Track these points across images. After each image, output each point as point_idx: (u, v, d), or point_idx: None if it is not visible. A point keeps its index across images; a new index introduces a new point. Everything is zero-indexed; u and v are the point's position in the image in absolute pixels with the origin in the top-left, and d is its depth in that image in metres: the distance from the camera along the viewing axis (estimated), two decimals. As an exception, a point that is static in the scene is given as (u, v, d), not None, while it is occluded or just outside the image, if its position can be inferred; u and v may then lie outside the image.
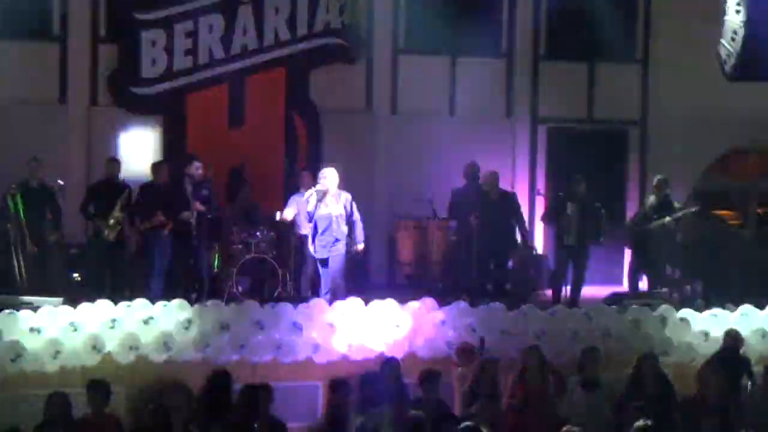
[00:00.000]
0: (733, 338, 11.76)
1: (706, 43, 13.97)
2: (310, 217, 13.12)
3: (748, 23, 11.32)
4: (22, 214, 12.71)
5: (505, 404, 10.34)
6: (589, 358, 10.88)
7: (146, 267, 13.44)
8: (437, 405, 10.03)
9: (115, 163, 13.51)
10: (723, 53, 11.93)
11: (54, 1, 15.34)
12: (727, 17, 11.66)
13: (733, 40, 11.69)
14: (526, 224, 14.91)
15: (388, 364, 10.89)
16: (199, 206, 13.49)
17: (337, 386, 10.08)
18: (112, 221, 13.06)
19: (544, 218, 15.09)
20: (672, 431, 9.88)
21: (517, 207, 14.61)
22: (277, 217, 14.10)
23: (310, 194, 13.07)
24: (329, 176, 13.23)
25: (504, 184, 14.99)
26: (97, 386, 9.76)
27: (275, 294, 13.45)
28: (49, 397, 9.47)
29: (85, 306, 11.54)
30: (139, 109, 15.52)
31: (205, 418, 9.65)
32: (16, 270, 12.57)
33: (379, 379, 10.60)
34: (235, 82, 15.70)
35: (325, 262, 13.16)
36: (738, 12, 11.45)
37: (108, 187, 13.29)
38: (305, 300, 12.67)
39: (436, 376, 10.31)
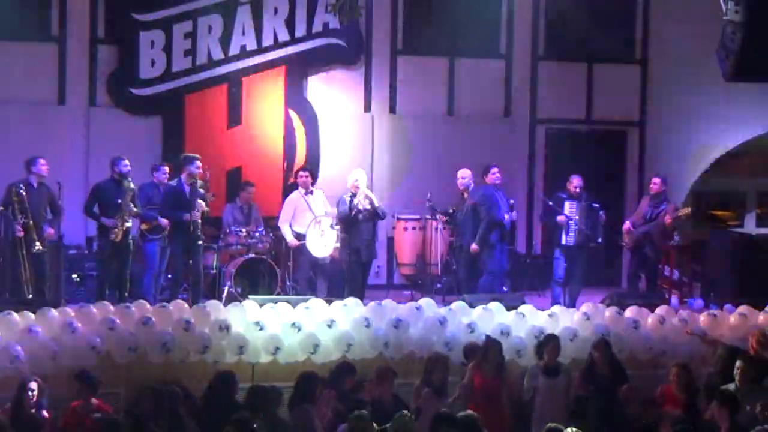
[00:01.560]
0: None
1: (704, 43, 13.95)
2: (349, 218, 13.21)
3: (747, 23, 11.29)
4: (29, 214, 12.69)
5: (457, 392, 10.49)
6: (548, 345, 11.03)
7: (146, 268, 13.41)
8: (393, 400, 10.20)
9: (122, 161, 13.38)
10: (722, 53, 11.91)
11: (53, 1, 15.34)
12: (726, 17, 11.64)
13: (732, 40, 11.66)
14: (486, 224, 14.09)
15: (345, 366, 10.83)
16: (203, 206, 13.41)
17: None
18: (119, 221, 13.01)
19: (542, 218, 15.10)
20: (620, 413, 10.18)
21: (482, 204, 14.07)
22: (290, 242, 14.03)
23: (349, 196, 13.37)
24: (361, 178, 13.33)
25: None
26: (84, 376, 9.91)
27: (274, 294, 13.46)
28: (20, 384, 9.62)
29: (84, 308, 11.54)
30: (138, 109, 15.53)
31: (208, 418, 9.67)
32: (22, 271, 12.53)
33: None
34: (233, 83, 15.71)
35: (365, 266, 13.27)
36: (737, 12, 11.42)
37: (114, 186, 13.23)
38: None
39: (388, 373, 10.45)
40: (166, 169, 13.72)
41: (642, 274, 14.74)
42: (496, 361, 10.74)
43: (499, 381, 10.72)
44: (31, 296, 12.38)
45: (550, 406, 10.66)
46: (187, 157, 13.52)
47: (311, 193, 14.15)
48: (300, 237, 13.88)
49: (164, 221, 13.34)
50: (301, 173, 14.33)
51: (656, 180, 14.55)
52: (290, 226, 14.00)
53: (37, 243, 12.66)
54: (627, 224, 14.46)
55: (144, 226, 13.44)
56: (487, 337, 11.18)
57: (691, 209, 14.55)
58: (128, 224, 13.09)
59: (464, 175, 14.27)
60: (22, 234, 12.57)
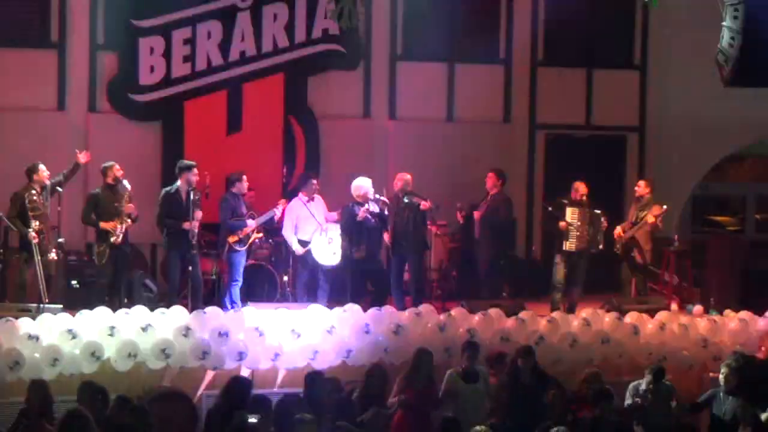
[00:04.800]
0: None
1: (703, 48, 14.00)
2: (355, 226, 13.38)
3: (746, 29, 11.34)
4: (42, 220, 12.71)
5: (390, 404, 10.53)
6: (468, 352, 11.07)
7: (233, 278, 13.44)
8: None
9: (113, 167, 13.40)
10: (721, 59, 11.96)
11: (53, 8, 15.36)
12: (724, 23, 11.68)
13: (730, 46, 11.71)
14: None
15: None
16: (200, 214, 13.22)
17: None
18: (117, 226, 13.00)
19: (543, 224, 15.10)
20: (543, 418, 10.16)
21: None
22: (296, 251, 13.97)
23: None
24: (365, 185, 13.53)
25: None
26: None
27: (273, 300, 13.46)
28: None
29: (84, 313, 11.56)
30: (138, 115, 15.52)
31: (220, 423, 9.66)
32: (40, 279, 12.51)
33: None
34: (233, 89, 15.71)
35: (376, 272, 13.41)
36: (735, 18, 11.47)
37: (109, 192, 13.23)
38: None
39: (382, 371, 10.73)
40: (245, 178, 13.66)
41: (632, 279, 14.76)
42: (426, 373, 10.75)
43: (430, 392, 10.72)
44: (47, 302, 12.32)
45: (472, 410, 10.61)
46: (184, 164, 13.46)
47: (313, 200, 14.06)
48: (304, 244, 13.82)
49: (251, 224, 13.47)
50: (314, 181, 14.19)
51: (640, 183, 14.60)
52: (295, 234, 13.92)
53: (54, 250, 12.70)
54: (618, 230, 14.43)
55: (232, 239, 13.42)
56: (418, 349, 11.10)
57: (665, 207, 14.44)
58: (127, 224, 13.07)
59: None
60: (37, 240, 12.57)
